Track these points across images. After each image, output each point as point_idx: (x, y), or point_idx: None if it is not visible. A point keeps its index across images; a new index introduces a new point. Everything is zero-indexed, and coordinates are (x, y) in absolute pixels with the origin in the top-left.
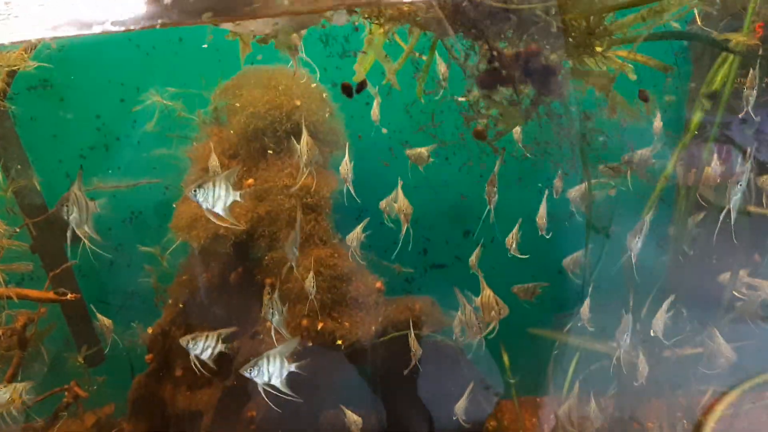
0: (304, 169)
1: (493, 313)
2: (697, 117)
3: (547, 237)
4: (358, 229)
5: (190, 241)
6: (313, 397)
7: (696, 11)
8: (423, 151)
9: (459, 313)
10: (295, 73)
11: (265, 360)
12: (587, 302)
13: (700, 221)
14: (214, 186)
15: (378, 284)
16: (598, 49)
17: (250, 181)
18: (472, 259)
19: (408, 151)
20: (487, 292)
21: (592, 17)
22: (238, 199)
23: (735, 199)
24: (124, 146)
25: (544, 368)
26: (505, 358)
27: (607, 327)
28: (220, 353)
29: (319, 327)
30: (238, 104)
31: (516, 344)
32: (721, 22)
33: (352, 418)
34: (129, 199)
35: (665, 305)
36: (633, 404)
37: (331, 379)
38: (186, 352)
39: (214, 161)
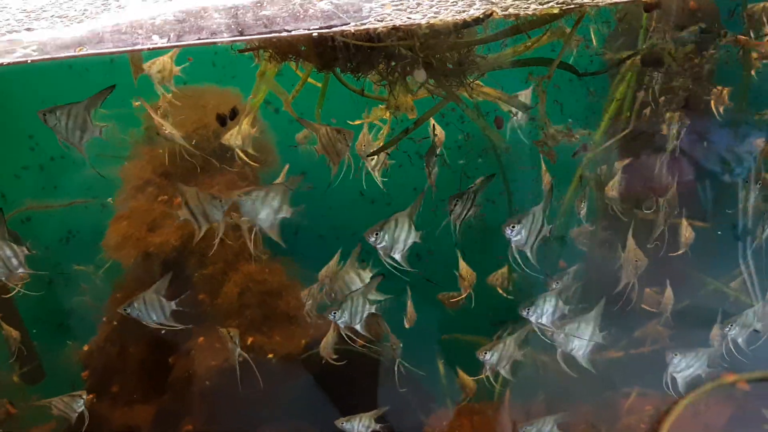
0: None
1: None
2: (602, 127)
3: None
4: None
5: (120, 260)
6: (249, 411)
7: (592, 32)
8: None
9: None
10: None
11: (348, 301)
12: None
13: (609, 226)
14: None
15: None
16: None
17: (179, 199)
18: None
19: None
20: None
21: (460, 50)
22: (98, 135)
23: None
24: (59, 166)
25: (478, 375)
26: (440, 366)
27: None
28: None
29: (249, 342)
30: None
31: (451, 351)
32: (618, 40)
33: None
34: (65, 218)
35: None
36: (561, 408)
37: (266, 392)
38: (123, 368)
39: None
